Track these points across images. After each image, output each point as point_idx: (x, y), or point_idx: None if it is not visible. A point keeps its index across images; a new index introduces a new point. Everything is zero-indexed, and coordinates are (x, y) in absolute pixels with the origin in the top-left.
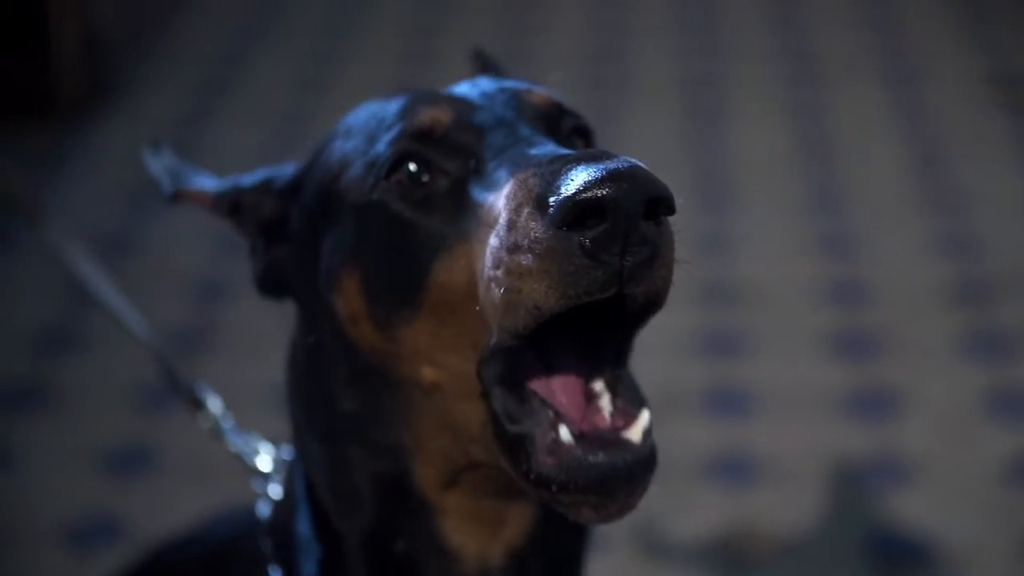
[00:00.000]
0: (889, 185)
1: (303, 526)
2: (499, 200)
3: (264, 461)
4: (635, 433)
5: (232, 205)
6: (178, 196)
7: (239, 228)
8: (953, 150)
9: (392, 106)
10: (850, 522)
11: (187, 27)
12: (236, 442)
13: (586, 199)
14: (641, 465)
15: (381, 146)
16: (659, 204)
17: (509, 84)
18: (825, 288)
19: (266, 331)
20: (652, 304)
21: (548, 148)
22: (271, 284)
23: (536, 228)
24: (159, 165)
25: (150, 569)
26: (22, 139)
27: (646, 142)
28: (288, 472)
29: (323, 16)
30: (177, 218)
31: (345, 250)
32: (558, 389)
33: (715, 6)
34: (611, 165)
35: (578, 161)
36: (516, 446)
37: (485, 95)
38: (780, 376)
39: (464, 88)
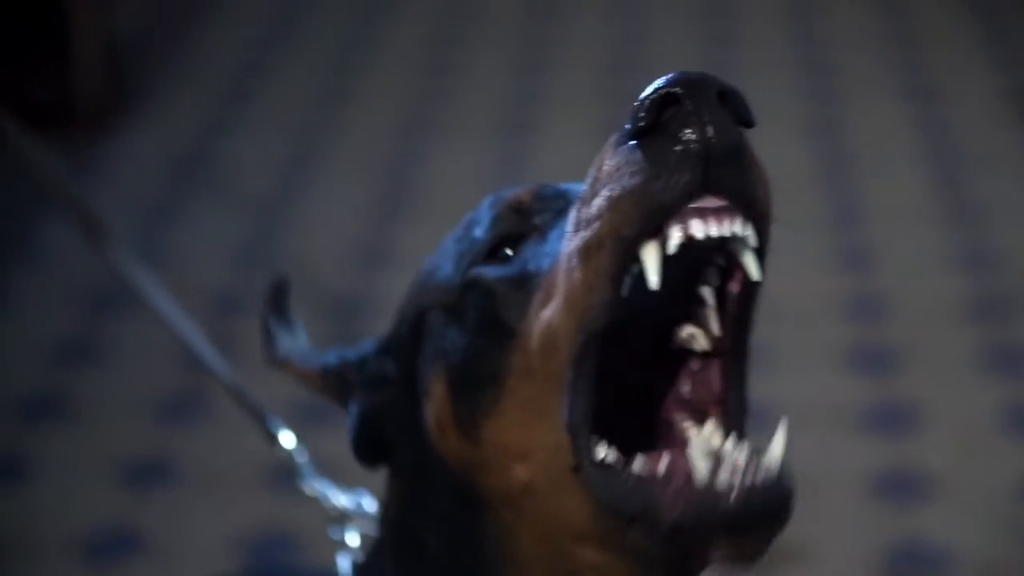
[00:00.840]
0: (908, 199)
1: None
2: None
3: (343, 503)
4: (770, 460)
5: (340, 382)
6: (279, 366)
7: (343, 402)
8: (972, 165)
9: (480, 209)
10: (867, 536)
11: (208, 38)
12: (312, 483)
13: (657, 90)
14: (780, 497)
15: (477, 235)
16: (733, 101)
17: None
18: (844, 302)
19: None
20: (760, 241)
21: None
22: (371, 446)
23: (614, 159)
24: (273, 322)
25: None
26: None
27: None
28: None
29: (344, 27)
30: (197, 230)
31: (434, 356)
32: (658, 456)
33: (735, 20)
34: (678, 72)
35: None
36: (634, 514)
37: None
38: (798, 390)
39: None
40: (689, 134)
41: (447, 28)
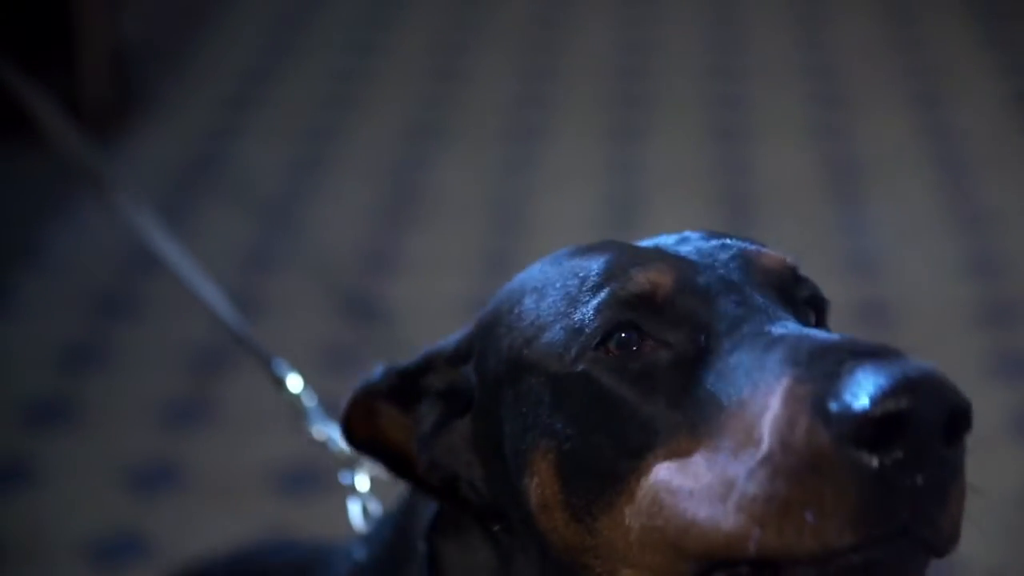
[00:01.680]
0: (915, 205)
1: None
2: (752, 405)
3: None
4: None
5: (412, 393)
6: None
7: (418, 422)
8: (979, 170)
9: (595, 263)
10: None
11: (214, 43)
12: (320, 426)
13: (886, 412)
14: (912, 549)
15: (589, 311)
16: (961, 419)
17: (732, 242)
18: (850, 308)
19: (298, 344)
20: (943, 550)
21: (793, 328)
22: (440, 473)
23: (824, 446)
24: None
25: None
26: (48, 154)
27: (671, 161)
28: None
29: (350, 32)
30: (205, 234)
31: (540, 427)
32: None
33: (742, 26)
34: (908, 370)
35: (857, 359)
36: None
37: (703, 253)
38: None
39: (672, 242)
40: (907, 477)
41: (454, 34)
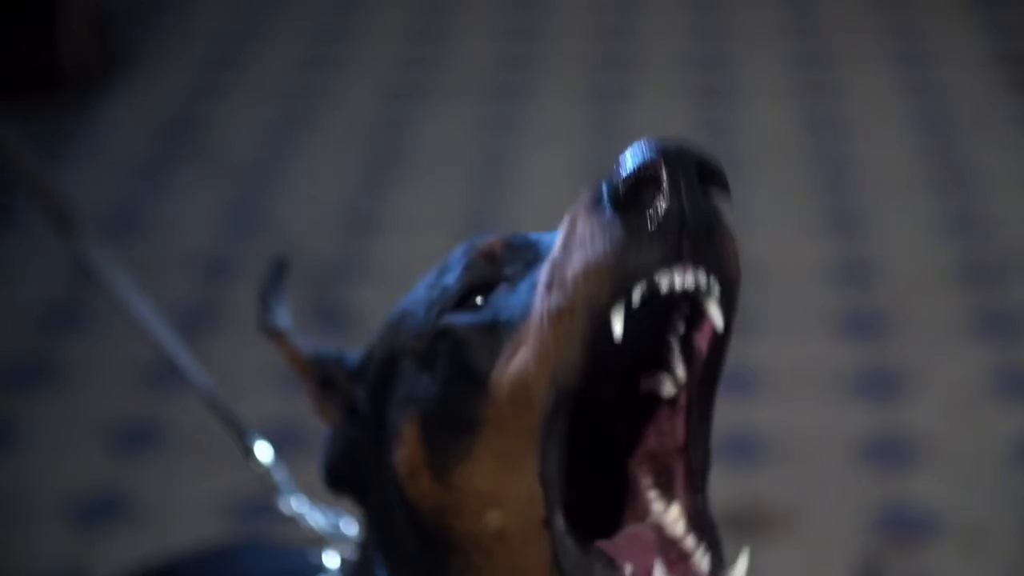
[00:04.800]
0: (898, 165)
1: None
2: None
3: (321, 522)
4: None
5: (325, 376)
6: (273, 336)
7: (322, 404)
8: (962, 130)
9: (453, 255)
10: (857, 501)
11: (195, 4)
12: (290, 501)
13: (640, 165)
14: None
15: (449, 281)
16: (711, 173)
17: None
18: (834, 268)
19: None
20: (727, 301)
21: None
22: (342, 476)
23: (589, 223)
24: (271, 294)
25: None
26: (29, 115)
27: (655, 122)
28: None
29: None
30: (184, 196)
31: (405, 401)
32: (625, 545)
33: None
34: (657, 140)
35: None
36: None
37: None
38: (788, 355)
39: None
40: (665, 208)
41: None
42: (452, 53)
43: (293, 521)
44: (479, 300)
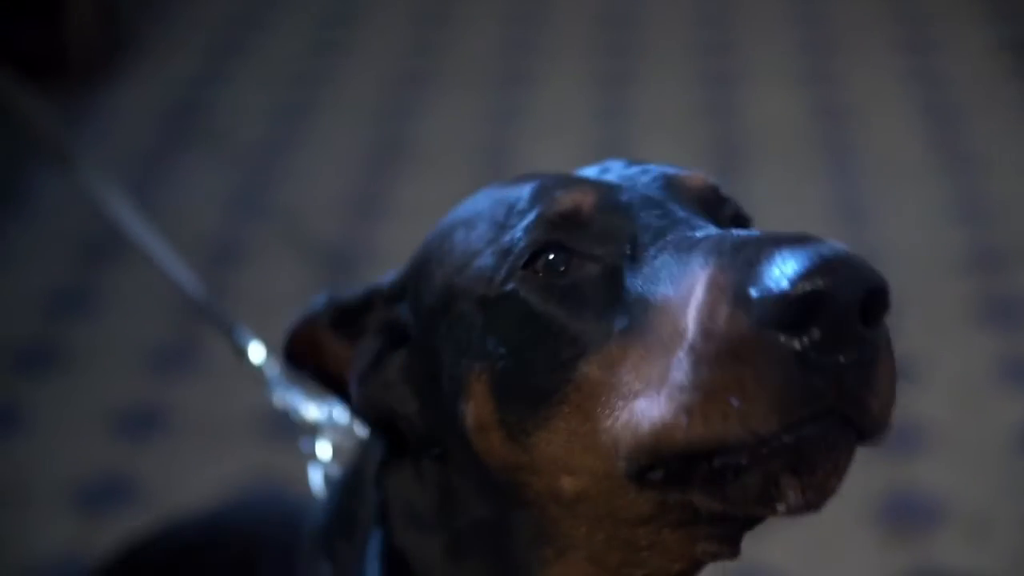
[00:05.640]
0: (903, 152)
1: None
2: (676, 299)
3: (314, 413)
4: None
5: (337, 320)
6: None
7: (356, 358)
8: (967, 117)
9: (522, 190)
10: (862, 487)
11: None
12: (282, 395)
13: (803, 293)
14: (841, 430)
15: (517, 232)
16: (878, 298)
17: (653, 167)
18: None
19: (281, 292)
20: (873, 431)
21: (715, 231)
22: (376, 408)
23: (743, 331)
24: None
25: (164, 547)
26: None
27: (660, 107)
28: (356, 465)
29: None
30: (190, 180)
31: (473, 351)
32: None
33: None
34: (824, 251)
35: (777, 245)
36: (691, 469)
37: (625, 177)
38: None
39: (594, 172)
40: (826, 359)
41: None
42: (458, 39)
43: (285, 414)
44: (553, 256)
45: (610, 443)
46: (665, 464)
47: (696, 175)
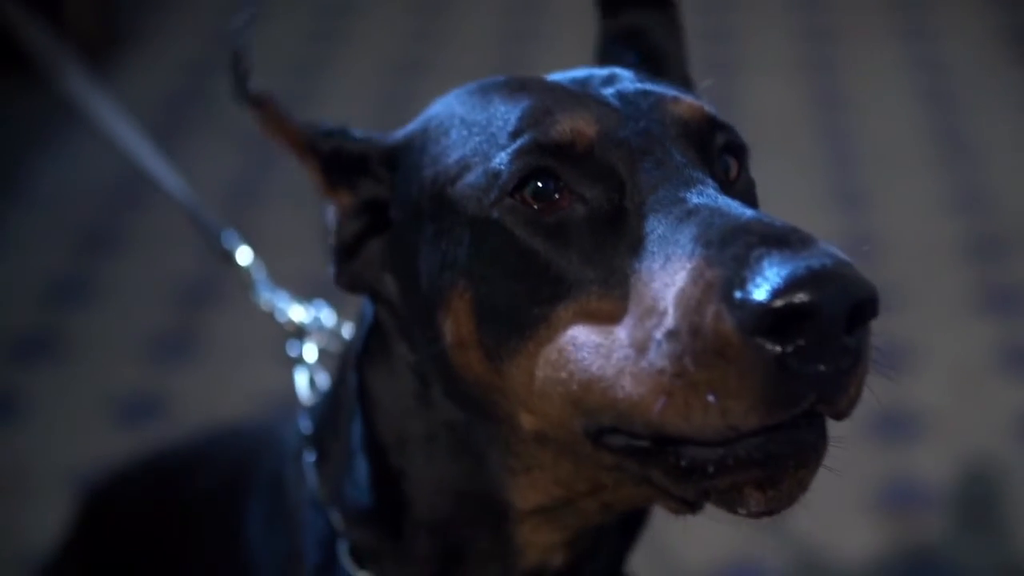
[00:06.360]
0: (902, 139)
1: (356, 434)
2: (662, 278)
3: (298, 316)
4: None
5: (332, 150)
6: (260, 105)
7: (330, 185)
8: (967, 105)
9: (520, 106)
10: (861, 474)
11: None
12: (267, 296)
13: (787, 307)
14: (814, 430)
15: (506, 156)
16: (865, 308)
17: (652, 88)
18: (837, 242)
19: (284, 274)
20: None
21: (709, 198)
22: (353, 276)
23: (729, 334)
24: (247, 55)
25: (149, 473)
26: (33, 88)
27: None
28: (339, 372)
29: None
30: (189, 167)
31: (457, 267)
32: None
33: None
34: (813, 262)
35: (767, 246)
36: (657, 450)
37: (625, 99)
38: None
39: (598, 80)
40: (810, 368)
41: None
42: (456, 27)
43: (269, 316)
44: (542, 185)
45: (577, 395)
46: (629, 435)
47: (693, 104)
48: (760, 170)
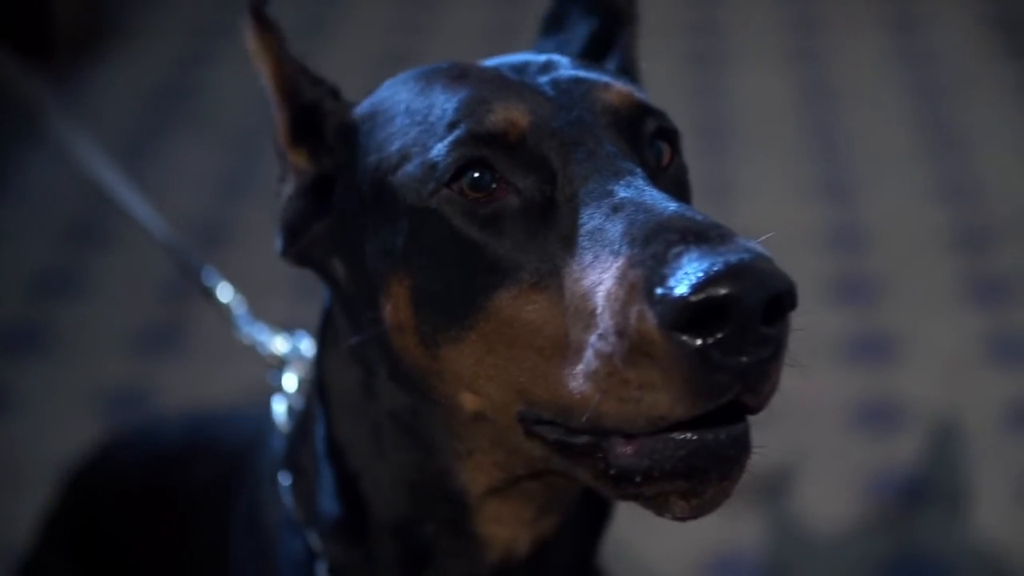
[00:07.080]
0: (889, 130)
1: (319, 444)
2: (590, 275)
3: (280, 346)
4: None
5: (309, 104)
6: (259, 19)
7: (292, 145)
8: (954, 96)
9: (457, 93)
10: (848, 465)
11: None
12: (248, 331)
13: (705, 300)
14: (736, 443)
15: (443, 147)
16: (783, 300)
17: (585, 75)
18: (825, 233)
19: (267, 274)
20: (756, 411)
21: (635, 191)
22: (300, 249)
23: (651, 332)
24: None
25: (142, 456)
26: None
27: (646, 87)
28: (308, 398)
29: None
30: (177, 161)
31: (397, 254)
32: None
33: None
34: (730, 257)
35: (686, 243)
36: (587, 451)
37: (559, 87)
38: None
39: (535, 68)
40: (731, 359)
41: None
42: (444, 20)
43: (251, 349)
44: (477, 175)
45: (511, 383)
46: (567, 430)
47: (622, 91)
48: (747, 161)
